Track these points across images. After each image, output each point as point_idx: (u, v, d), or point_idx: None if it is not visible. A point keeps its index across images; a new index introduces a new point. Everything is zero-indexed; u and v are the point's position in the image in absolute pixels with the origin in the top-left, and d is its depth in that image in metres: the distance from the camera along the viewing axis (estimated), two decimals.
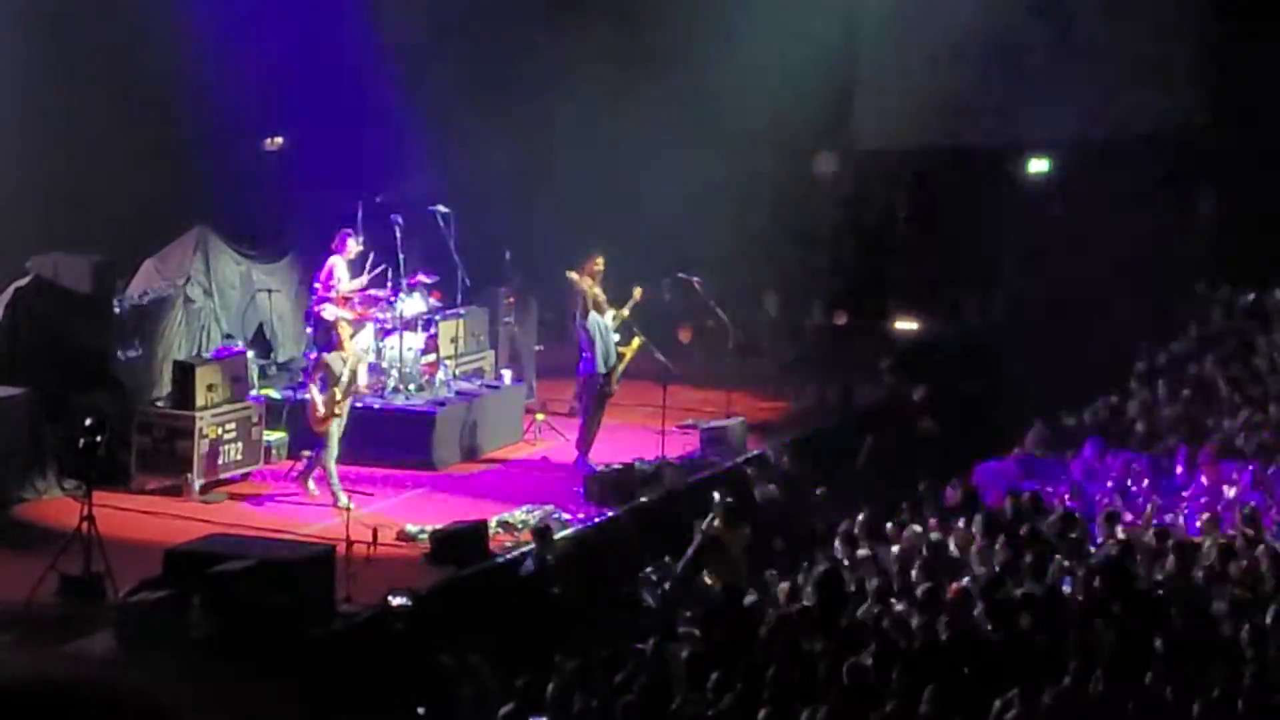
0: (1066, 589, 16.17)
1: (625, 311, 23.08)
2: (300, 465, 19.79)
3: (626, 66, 27.00)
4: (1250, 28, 28.75)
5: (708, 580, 17.93)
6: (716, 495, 19.13)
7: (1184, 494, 20.23)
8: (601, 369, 21.49)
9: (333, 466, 19.25)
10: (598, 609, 17.89)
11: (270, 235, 23.52)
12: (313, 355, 20.51)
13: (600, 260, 22.71)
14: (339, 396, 19.27)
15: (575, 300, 22.27)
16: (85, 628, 15.10)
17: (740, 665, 13.63)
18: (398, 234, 22.02)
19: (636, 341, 22.72)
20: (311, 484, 19.52)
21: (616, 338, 22.53)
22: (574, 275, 21.89)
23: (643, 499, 20.25)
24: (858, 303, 28.57)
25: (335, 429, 19.29)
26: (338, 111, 24.94)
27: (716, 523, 18.62)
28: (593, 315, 21.63)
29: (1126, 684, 13.10)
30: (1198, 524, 18.67)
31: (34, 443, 19.12)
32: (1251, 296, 27.79)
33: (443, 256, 22.86)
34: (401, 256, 22.03)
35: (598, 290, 22.82)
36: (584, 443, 21.58)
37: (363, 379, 19.93)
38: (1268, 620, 14.99)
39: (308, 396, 19.50)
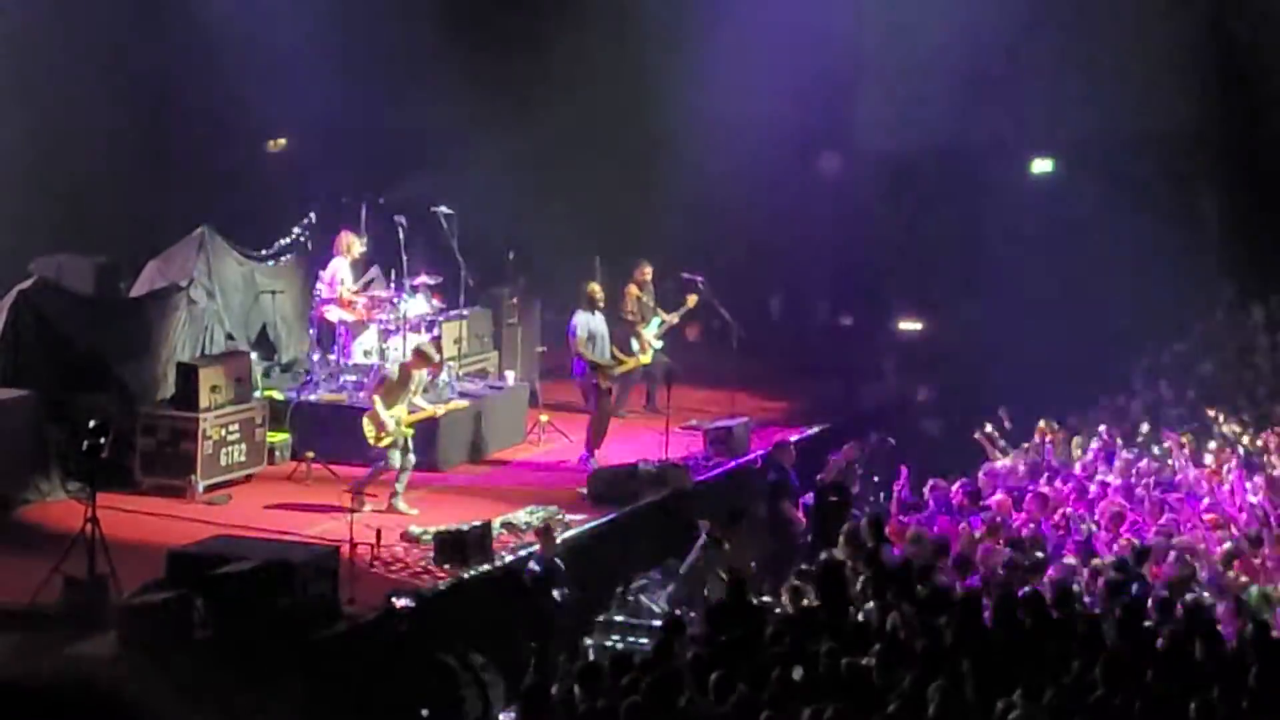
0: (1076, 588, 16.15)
1: (673, 317, 23.44)
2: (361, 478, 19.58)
3: (630, 66, 27.03)
4: (1255, 31, 28.76)
5: (717, 580, 17.92)
6: (731, 507, 19.20)
7: (1188, 493, 20.21)
8: (592, 363, 21.62)
9: (405, 474, 19.22)
10: (602, 610, 17.91)
11: (273, 237, 23.52)
12: (376, 367, 20.44)
13: (648, 269, 23.28)
14: (403, 418, 19.26)
15: (623, 305, 23.48)
16: (89, 629, 15.09)
17: (745, 666, 13.62)
18: (401, 235, 22.04)
19: (646, 358, 23.02)
20: (403, 504, 19.35)
21: (660, 344, 23.10)
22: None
23: (647, 499, 20.25)
24: (862, 303, 28.57)
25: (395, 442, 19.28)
26: (340, 112, 24.96)
27: (730, 531, 18.67)
28: (582, 314, 21.74)
29: (1129, 684, 13.09)
30: (1201, 523, 18.66)
31: (37, 445, 19.11)
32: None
33: (446, 257, 22.88)
34: (405, 257, 22.05)
35: (644, 296, 23.20)
36: (590, 440, 21.64)
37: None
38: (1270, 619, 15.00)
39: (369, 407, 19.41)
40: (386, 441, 19.07)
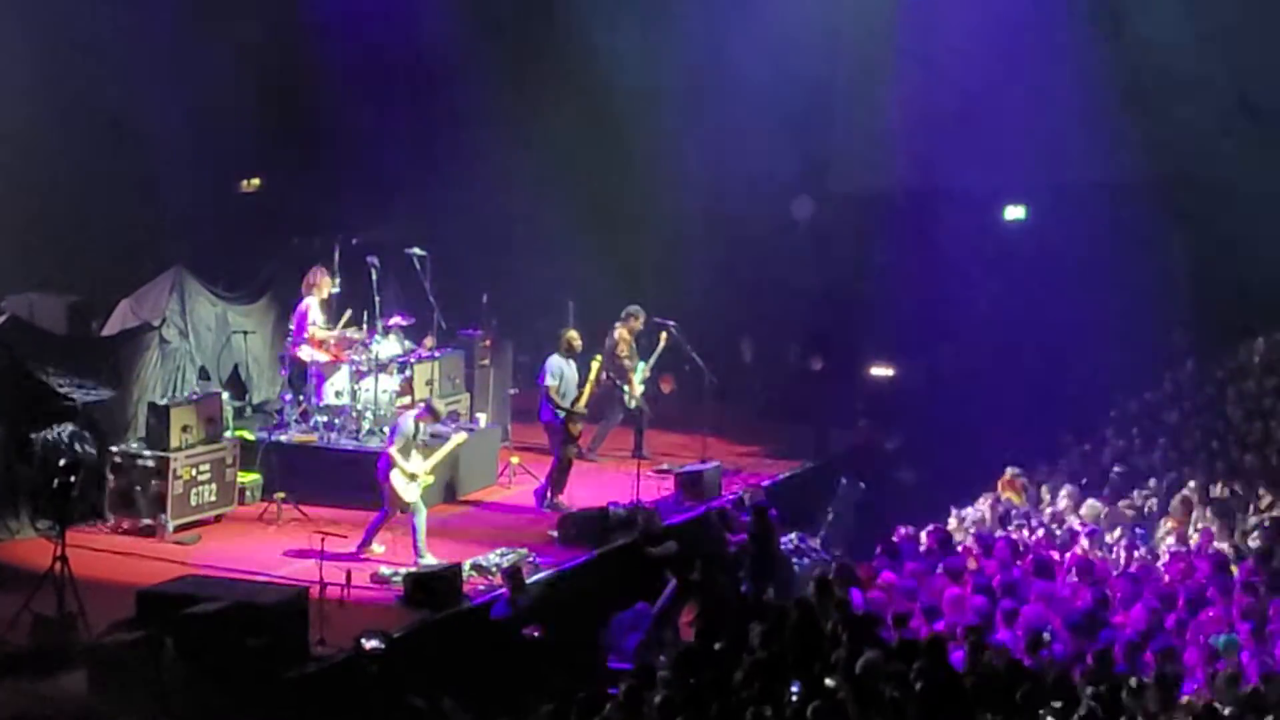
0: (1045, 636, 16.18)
1: (650, 362, 23.44)
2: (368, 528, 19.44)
3: (604, 113, 27.09)
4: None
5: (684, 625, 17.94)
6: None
7: (1157, 541, 20.28)
8: (560, 412, 21.62)
9: (422, 524, 19.14)
10: (571, 653, 17.88)
11: (247, 277, 23.54)
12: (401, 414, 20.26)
13: (642, 317, 23.24)
14: (424, 466, 19.25)
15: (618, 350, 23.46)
16: (58, 668, 15.06)
17: (713, 710, 13.62)
18: (374, 276, 22.04)
19: (633, 403, 23.19)
20: (375, 544, 19.31)
21: (642, 389, 22.97)
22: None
23: (617, 542, 20.25)
24: (833, 347, 28.58)
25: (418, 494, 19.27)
26: (315, 154, 24.97)
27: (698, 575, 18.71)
28: (556, 359, 21.75)
29: None
30: (1171, 570, 18.72)
31: (7, 483, 19.08)
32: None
33: (419, 299, 22.91)
34: (377, 299, 22.04)
35: (632, 342, 23.22)
36: (551, 484, 21.61)
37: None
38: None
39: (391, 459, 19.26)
40: (414, 496, 19.06)
